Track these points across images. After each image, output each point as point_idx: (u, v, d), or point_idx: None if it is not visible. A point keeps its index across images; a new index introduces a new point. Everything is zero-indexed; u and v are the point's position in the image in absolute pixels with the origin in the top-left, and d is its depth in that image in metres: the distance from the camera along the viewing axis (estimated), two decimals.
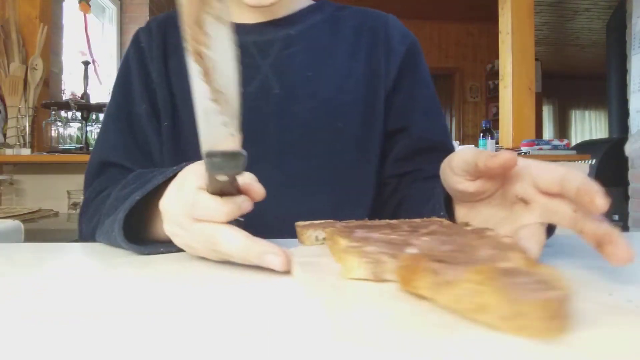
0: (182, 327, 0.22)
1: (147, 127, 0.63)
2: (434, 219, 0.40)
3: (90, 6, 2.58)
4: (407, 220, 0.40)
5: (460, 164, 0.36)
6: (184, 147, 0.62)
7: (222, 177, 0.32)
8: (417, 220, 0.39)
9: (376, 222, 0.39)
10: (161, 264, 0.38)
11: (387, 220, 0.40)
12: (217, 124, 0.29)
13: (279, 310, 0.24)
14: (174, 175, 0.39)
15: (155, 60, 0.64)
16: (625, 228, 2.97)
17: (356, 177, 0.62)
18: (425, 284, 0.22)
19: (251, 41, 0.63)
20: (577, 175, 0.30)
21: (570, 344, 0.18)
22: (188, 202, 0.35)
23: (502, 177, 0.36)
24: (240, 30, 0.63)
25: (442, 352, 0.17)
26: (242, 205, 0.34)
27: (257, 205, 0.48)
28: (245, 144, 0.61)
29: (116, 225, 0.41)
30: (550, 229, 0.36)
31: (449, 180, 0.38)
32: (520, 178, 0.34)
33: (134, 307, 0.25)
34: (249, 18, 0.64)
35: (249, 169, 0.59)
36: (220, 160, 0.30)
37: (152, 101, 0.63)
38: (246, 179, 0.36)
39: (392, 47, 0.64)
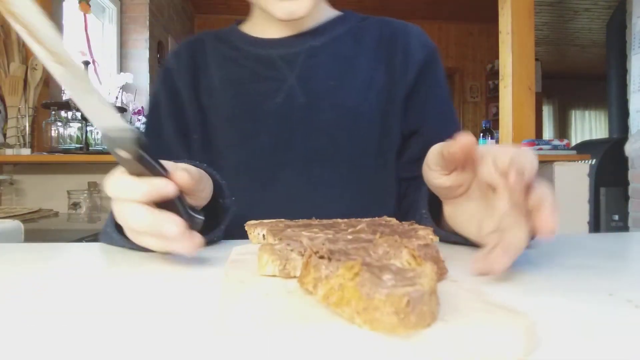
0: (181, 327, 0.22)
1: (174, 145, 0.66)
2: (384, 218, 0.41)
3: (90, 6, 2.58)
4: (353, 219, 0.42)
5: (432, 159, 0.37)
6: (214, 158, 0.65)
7: (123, 153, 0.33)
8: (365, 219, 0.41)
9: (317, 221, 0.41)
10: (161, 264, 0.38)
11: (335, 220, 0.42)
12: (85, 92, 0.31)
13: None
14: None
15: (183, 78, 0.68)
16: (625, 228, 2.97)
17: (378, 180, 0.65)
18: (309, 279, 0.23)
19: (277, 55, 0.66)
20: (524, 154, 0.32)
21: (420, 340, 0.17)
22: (110, 184, 0.37)
23: (471, 166, 0.36)
24: (267, 44, 0.67)
25: (290, 343, 0.17)
26: (158, 185, 0.35)
27: (285, 210, 0.52)
28: (273, 152, 0.64)
29: (109, 219, 0.44)
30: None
31: (427, 176, 0.39)
32: (484, 164, 0.34)
33: (134, 307, 0.25)
34: (276, 32, 0.67)
35: (277, 176, 0.62)
36: (111, 140, 0.32)
37: (179, 119, 0.67)
38: (177, 167, 0.38)
39: (411, 55, 0.66)
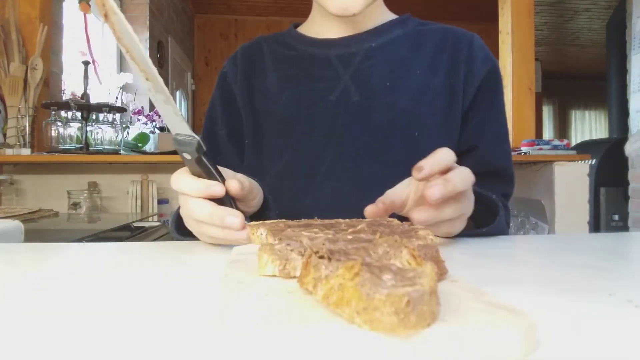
0: (181, 327, 0.22)
1: (226, 148, 0.70)
2: (385, 218, 0.42)
3: (90, 6, 2.58)
4: (354, 219, 0.43)
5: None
6: (264, 161, 0.67)
7: (187, 156, 0.40)
8: (366, 219, 0.42)
9: (319, 221, 0.42)
10: (161, 264, 0.38)
11: (336, 220, 0.42)
12: (164, 102, 0.37)
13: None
14: None
15: (239, 83, 0.71)
16: (625, 228, 2.97)
17: None
18: (309, 279, 0.23)
19: (334, 54, 0.67)
20: (435, 153, 0.41)
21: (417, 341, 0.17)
22: (174, 179, 0.43)
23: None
24: (324, 44, 0.69)
25: (290, 343, 0.17)
26: (211, 187, 0.41)
27: (333, 209, 0.56)
28: (324, 150, 0.66)
29: (173, 214, 0.54)
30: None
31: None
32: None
33: (133, 307, 0.25)
34: (334, 32, 0.68)
35: (325, 173, 0.65)
36: (178, 143, 0.39)
37: (232, 125, 0.71)
38: (233, 176, 0.45)
39: (474, 67, 0.66)
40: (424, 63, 0.66)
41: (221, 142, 0.71)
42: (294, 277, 0.27)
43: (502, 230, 0.54)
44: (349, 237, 0.30)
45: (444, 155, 0.40)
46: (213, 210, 0.41)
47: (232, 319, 0.20)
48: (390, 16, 0.71)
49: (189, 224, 0.46)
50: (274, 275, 0.28)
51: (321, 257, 0.23)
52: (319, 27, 0.70)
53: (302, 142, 0.65)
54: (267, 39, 0.74)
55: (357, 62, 0.66)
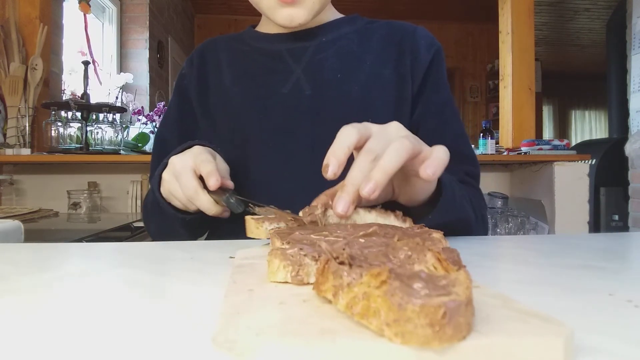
0: (185, 335, 0.21)
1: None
2: (397, 215, 0.41)
3: (90, 6, 2.58)
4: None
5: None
6: (223, 156, 0.67)
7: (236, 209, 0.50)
8: (375, 223, 0.41)
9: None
10: (161, 264, 0.38)
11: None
12: None
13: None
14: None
15: (195, 83, 0.72)
16: (625, 228, 2.97)
17: None
18: (328, 287, 0.21)
19: (285, 49, 0.69)
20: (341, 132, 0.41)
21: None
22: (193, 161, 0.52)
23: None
24: (276, 40, 0.70)
25: (316, 357, 0.16)
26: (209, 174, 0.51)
27: (294, 200, 0.56)
28: (280, 142, 0.67)
29: (154, 183, 0.59)
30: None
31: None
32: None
33: (134, 309, 0.25)
34: (285, 30, 0.69)
35: (284, 165, 0.67)
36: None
37: (184, 129, 0.72)
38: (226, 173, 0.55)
39: (419, 56, 0.69)
40: (373, 56, 0.68)
41: (171, 144, 0.70)
42: (308, 284, 0.26)
43: (460, 211, 0.52)
44: (362, 240, 0.29)
45: (343, 138, 0.39)
46: (209, 208, 0.52)
47: (248, 330, 0.19)
48: (338, 15, 0.74)
49: (177, 193, 0.54)
50: (286, 282, 0.26)
51: (341, 262, 0.21)
52: (272, 25, 0.71)
53: (254, 135, 0.66)
54: (223, 38, 0.76)
55: (309, 55, 0.68)
